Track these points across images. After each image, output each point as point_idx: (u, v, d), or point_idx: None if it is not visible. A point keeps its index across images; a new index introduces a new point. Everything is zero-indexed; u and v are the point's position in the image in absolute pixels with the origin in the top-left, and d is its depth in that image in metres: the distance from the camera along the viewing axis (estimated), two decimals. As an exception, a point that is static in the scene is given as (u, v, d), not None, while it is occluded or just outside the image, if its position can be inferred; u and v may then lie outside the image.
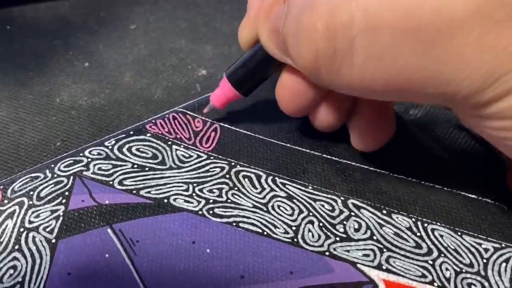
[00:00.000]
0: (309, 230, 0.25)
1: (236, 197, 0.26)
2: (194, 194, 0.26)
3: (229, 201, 0.26)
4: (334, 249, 0.24)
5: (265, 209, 0.26)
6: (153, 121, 0.29)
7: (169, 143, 0.28)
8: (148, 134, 0.28)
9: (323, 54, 0.20)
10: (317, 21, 0.19)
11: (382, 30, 0.18)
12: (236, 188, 0.26)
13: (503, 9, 0.17)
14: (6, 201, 0.25)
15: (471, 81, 0.18)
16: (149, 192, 0.26)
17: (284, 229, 0.25)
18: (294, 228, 0.25)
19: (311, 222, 0.25)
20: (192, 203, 0.25)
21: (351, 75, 0.20)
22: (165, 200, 0.25)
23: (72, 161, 0.27)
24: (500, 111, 0.18)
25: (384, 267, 0.24)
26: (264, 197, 0.26)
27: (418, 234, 0.25)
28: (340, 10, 0.19)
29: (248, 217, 0.25)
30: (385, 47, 0.18)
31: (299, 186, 0.27)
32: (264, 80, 0.27)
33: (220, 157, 0.28)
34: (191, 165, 0.27)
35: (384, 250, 0.24)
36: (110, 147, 0.27)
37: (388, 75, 0.19)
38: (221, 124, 0.29)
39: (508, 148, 0.20)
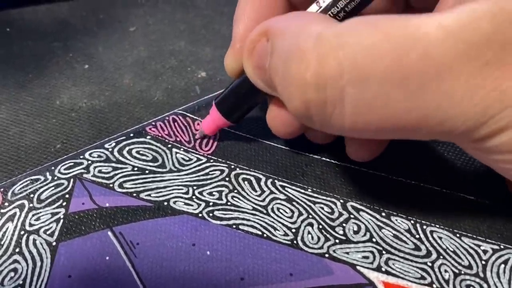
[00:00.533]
0: (309, 232, 0.25)
1: (236, 199, 0.26)
2: (194, 197, 0.26)
3: (229, 203, 0.26)
4: (334, 251, 0.24)
5: (264, 211, 0.26)
6: (153, 123, 0.29)
7: (169, 146, 0.28)
8: (148, 137, 0.28)
9: (313, 104, 0.20)
10: (306, 70, 0.19)
11: (370, 79, 0.18)
12: (236, 191, 0.26)
13: (490, 50, 0.17)
14: (6, 204, 0.25)
15: (464, 120, 0.18)
16: (149, 195, 0.26)
17: (284, 231, 0.25)
18: (293, 230, 0.25)
19: (311, 225, 0.25)
20: (192, 205, 0.26)
21: (343, 121, 0.19)
22: (165, 203, 0.25)
23: (72, 164, 0.27)
24: (499, 144, 0.18)
25: (383, 269, 0.24)
26: (263, 200, 0.26)
27: (417, 236, 0.25)
28: (329, 59, 0.18)
29: (248, 220, 0.25)
30: (375, 94, 0.18)
31: (298, 189, 0.27)
32: (253, 107, 0.27)
33: (220, 160, 0.28)
34: (191, 168, 0.27)
35: (383, 252, 0.24)
36: (110, 149, 0.27)
37: (380, 121, 0.19)
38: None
39: None
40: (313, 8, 0.23)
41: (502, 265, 0.24)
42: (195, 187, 0.26)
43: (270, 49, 0.21)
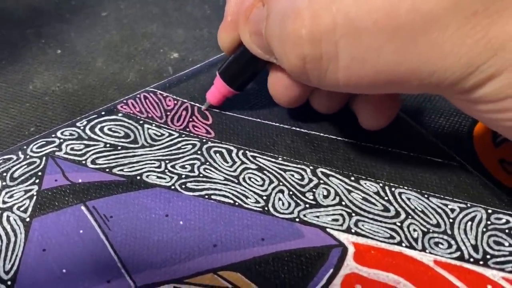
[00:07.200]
0: (280, 199, 0.25)
1: (208, 171, 0.26)
2: (166, 170, 0.26)
3: (201, 175, 0.26)
4: (304, 215, 0.25)
5: (236, 181, 0.26)
6: (125, 101, 0.29)
7: (141, 122, 0.28)
8: (120, 114, 0.28)
9: (309, 59, 0.20)
10: (301, 27, 0.20)
11: (363, 32, 0.19)
12: (207, 163, 0.27)
13: (478, 0, 0.17)
14: (-20, 184, 0.25)
15: (452, 71, 0.18)
16: (122, 170, 0.26)
17: (255, 199, 0.25)
18: (264, 197, 0.25)
19: (281, 191, 0.26)
20: (164, 179, 0.26)
21: (337, 76, 0.20)
22: (138, 177, 0.26)
23: (44, 142, 0.27)
24: (484, 95, 0.19)
25: (353, 231, 0.24)
26: (235, 170, 0.27)
27: (386, 198, 0.26)
28: (323, 14, 0.19)
29: (220, 190, 0.26)
30: (367, 48, 0.19)
31: (269, 158, 0.27)
32: (256, 74, 0.28)
33: (192, 134, 0.28)
34: (163, 143, 0.28)
35: (353, 214, 0.25)
36: (82, 127, 0.28)
37: (372, 74, 0.19)
38: (192, 103, 0.30)
39: (500, 128, 0.21)
40: None
41: (469, 222, 0.25)
42: (167, 161, 0.27)
43: (266, 13, 0.22)
